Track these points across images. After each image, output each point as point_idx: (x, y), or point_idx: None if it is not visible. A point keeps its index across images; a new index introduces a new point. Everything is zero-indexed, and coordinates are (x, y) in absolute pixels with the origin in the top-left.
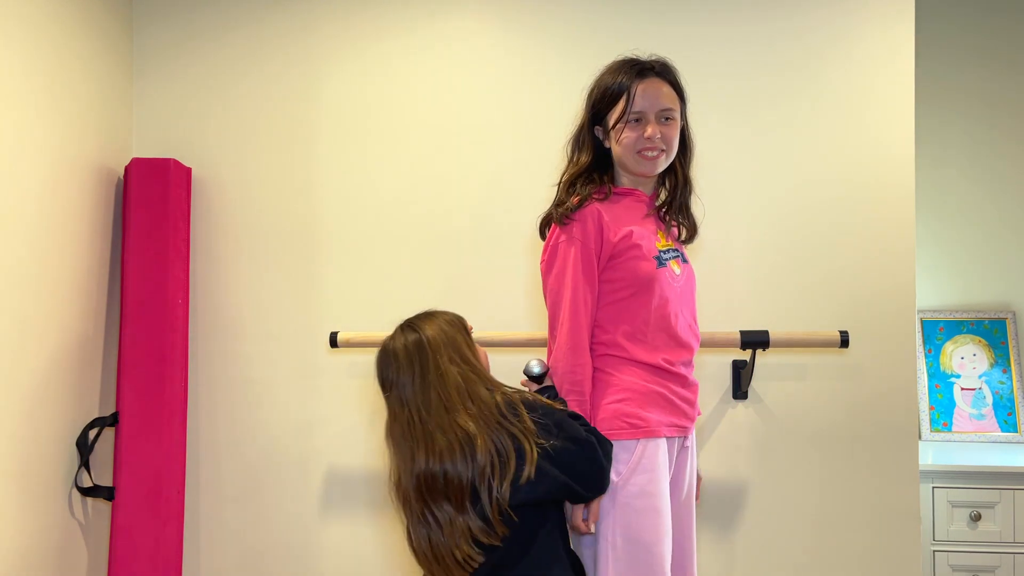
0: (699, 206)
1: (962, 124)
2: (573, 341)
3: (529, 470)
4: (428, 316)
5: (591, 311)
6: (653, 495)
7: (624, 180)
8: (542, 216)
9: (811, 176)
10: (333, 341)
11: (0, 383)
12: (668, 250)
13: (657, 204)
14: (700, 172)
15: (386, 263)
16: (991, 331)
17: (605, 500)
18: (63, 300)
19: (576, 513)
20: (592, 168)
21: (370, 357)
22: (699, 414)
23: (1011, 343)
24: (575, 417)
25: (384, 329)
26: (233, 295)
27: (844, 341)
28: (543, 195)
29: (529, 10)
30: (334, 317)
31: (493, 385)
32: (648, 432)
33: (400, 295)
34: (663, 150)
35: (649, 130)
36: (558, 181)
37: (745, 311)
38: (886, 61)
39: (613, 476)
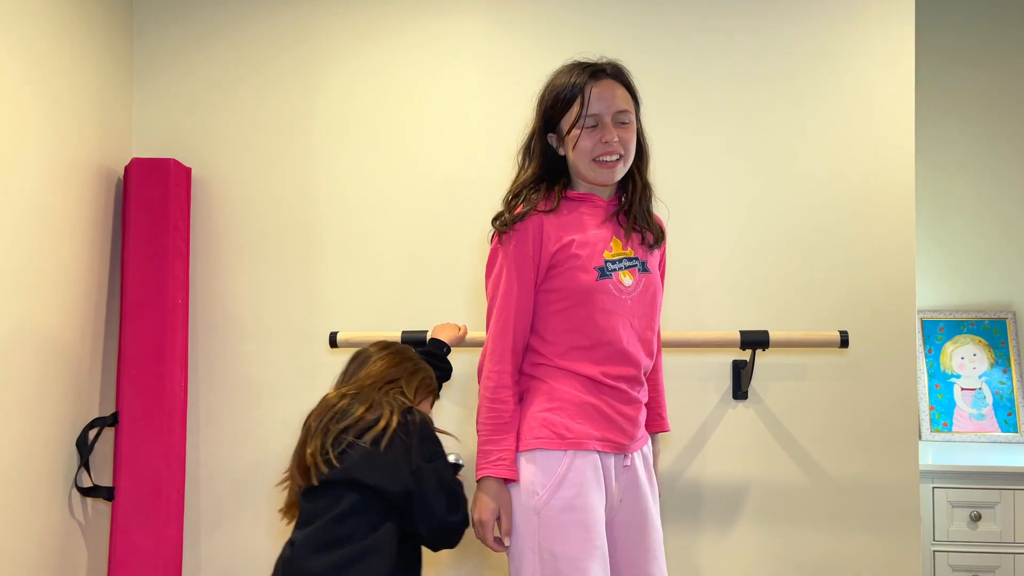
0: (663, 209)
1: (962, 125)
2: (495, 347)
3: (377, 432)
4: (404, 353)
5: (523, 320)
6: (580, 509)
7: (581, 187)
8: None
9: (812, 176)
10: (333, 341)
11: (0, 383)
12: (620, 259)
13: (616, 211)
14: (701, 172)
15: (386, 263)
16: (991, 331)
17: (528, 515)
18: (63, 300)
19: (487, 532)
20: (541, 178)
21: None
22: (654, 432)
23: (1011, 343)
24: (451, 486)
25: (384, 329)
26: (233, 295)
27: (844, 341)
28: None
29: (528, 11)
30: (334, 317)
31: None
32: (575, 444)
33: (400, 295)
34: (621, 155)
35: (606, 134)
36: (506, 192)
37: (745, 311)
38: (887, 63)
39: (537, 489)
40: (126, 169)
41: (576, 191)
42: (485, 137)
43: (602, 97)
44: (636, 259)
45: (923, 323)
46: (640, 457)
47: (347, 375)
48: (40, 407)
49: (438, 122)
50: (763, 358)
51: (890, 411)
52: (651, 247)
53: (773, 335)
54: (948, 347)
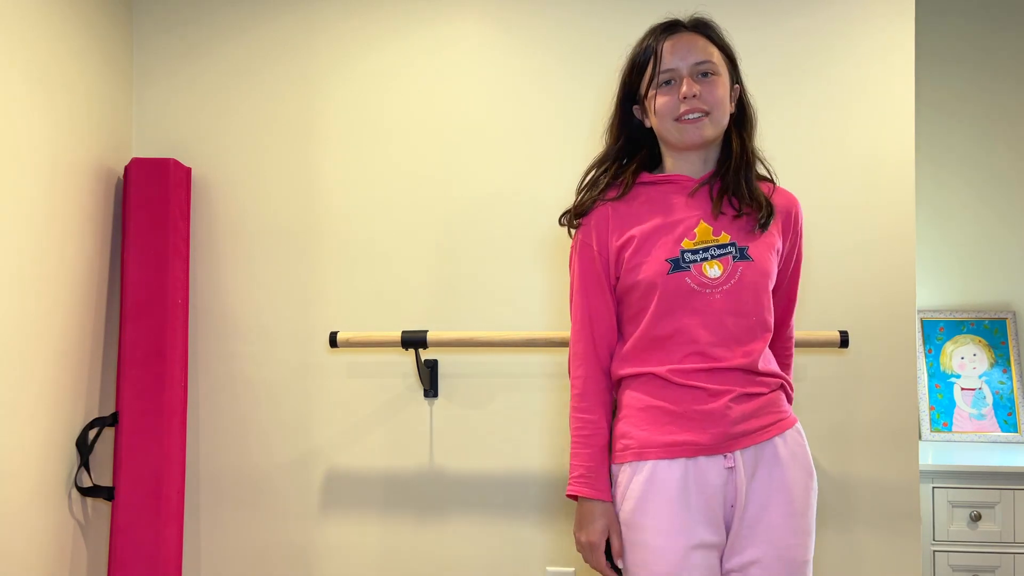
0: (775, 180)
1: (962, 125)
2: (574, 350)
3: None
4: None
5: (601, 321)
6: (639, 527)
7: (669, 162)
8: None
9: (811, 176)
10: (333, 341)
11: (0, 383)
12: (705, 248)
13: (708, 185)
14: None
15: (386, 263)
16: (991, 331)
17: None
18: (63, 300)
19: (598, 555)
20: (620, 154)
21: (369, 357)
22: (773, 431)
23: (1011, 343)
24: None
25: (384, 329)
26: (233, 295)
27: (844, 341)
28: (543, 197)
29: (528, 13)
30: (334, 317)
31: None
32: (636, 455)
33: (400, 296)
34: (706, 111)
35: (684, 87)
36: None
37: None
38: (886, 62)
39: (617, 501)
40: (126, 169)
41: (659, 173)
42: (485, 140)
43: (676, 49)
44: (731, 245)
45: (923, 323)
46: (751, 456)
47: None
48: (40, 407)
49: (439, 124)
50: None
51: (890, 411)
52: (757, 227)
53: None
54: (948, 347)
